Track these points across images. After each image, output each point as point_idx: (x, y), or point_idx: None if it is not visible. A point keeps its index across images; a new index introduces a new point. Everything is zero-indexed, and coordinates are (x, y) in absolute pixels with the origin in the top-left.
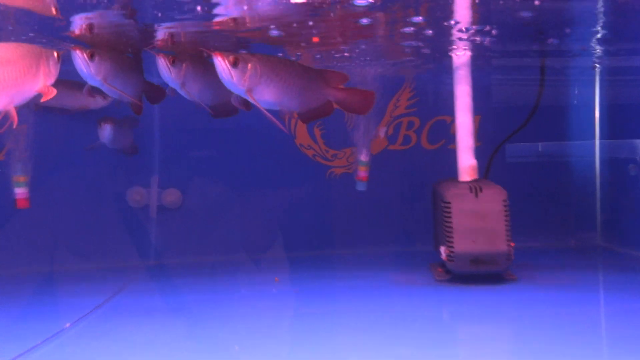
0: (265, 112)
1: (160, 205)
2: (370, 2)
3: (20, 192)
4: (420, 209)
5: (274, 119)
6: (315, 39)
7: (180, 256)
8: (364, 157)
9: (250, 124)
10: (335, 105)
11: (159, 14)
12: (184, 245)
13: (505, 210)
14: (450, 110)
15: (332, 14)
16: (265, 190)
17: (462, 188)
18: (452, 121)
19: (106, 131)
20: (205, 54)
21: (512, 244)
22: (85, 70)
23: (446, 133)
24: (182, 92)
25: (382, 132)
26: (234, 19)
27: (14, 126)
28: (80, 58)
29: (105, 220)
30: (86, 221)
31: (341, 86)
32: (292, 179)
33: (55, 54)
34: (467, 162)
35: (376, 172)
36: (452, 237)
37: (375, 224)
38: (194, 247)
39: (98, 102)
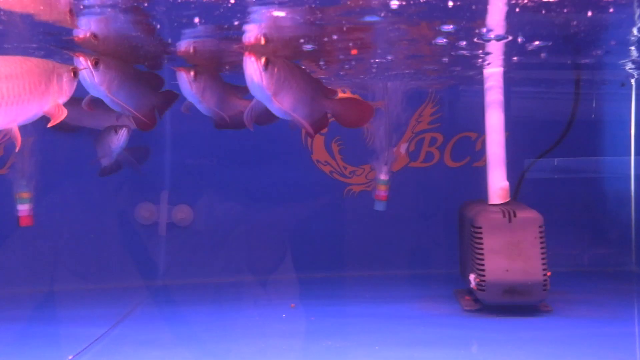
0: (296, 117)
1: (170, 223)
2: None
3: (23, 209)
4: (441, 231)
5: (303, 123)
6: (354, 51)
7: (190, 276)
8: (383, 176)
9: (265, 138)
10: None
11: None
12: (194, 265)
13: (541, 237)
14: (475, 126)
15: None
16: (279, 208)
17: (494, 212)
18: (478, 138)
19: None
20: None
21: (549, 274)
22: (88, 79)
23: (471, 150)
24: (200, 107)
25: (403, 149)
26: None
27: (17, 149)
28: (83, 65)
29: (111, 238)
30: (90, 239)
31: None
32: (308, 196)
33: (72, 70)
34: (498, 184)
35: (396, 190)
36: (483, 265)
37: (395, 246)
38: (204, 267)
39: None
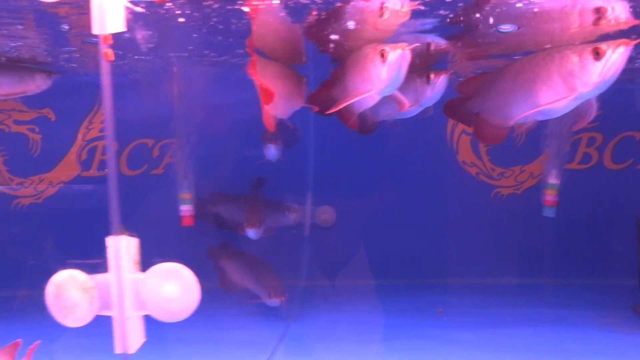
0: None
1: (314, 224)
2: None
3: (186, 209)
4: (603, 237)
5: None
6: None
7: (333, 277)
8: (553, 180)
9: (409, 139)
10: None
11: None
12: (336, 266)
13: None
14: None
15: None
16: (423, 210)
17: None
18: None
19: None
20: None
21: None
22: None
23: (634, 152)
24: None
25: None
26: None
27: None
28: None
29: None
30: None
31: None
32: (453, 198)
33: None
34: None
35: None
36: None
37: (548, 253)
38: (347, 269)
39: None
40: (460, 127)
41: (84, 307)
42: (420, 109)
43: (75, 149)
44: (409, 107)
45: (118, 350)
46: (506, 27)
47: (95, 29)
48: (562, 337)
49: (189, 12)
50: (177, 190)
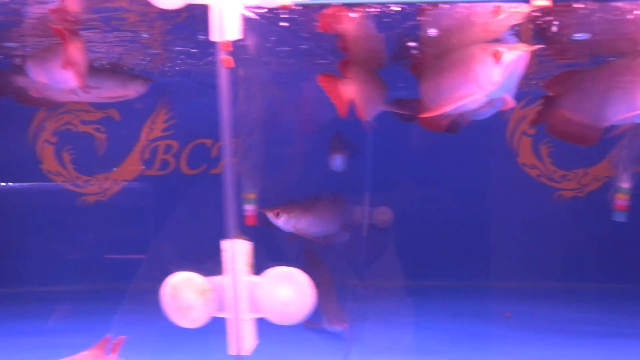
0: None
1: (372, 224)
2: None
3: (250, 209)
4: None
5: None
6: None
7: (390, 278)
8: (625, 184)
9: (467, 140)
10: None
11: None
12: (395, 267)
13: None
14: None
15: None
16: (480, 212)
17: None
18: None
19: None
20: None
21: None
22: None
23: None
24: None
25: None
26: None
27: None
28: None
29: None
30: None
31: None
32: (512, 200)
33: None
34: None
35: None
36: None
37: (611, 258)
38: (405, 269)
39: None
40: (521, 128)
41: (199, 308)
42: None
43: (138, 148)
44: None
45: (232, 351)
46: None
47: (215, 36)
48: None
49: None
50: (241, 190)
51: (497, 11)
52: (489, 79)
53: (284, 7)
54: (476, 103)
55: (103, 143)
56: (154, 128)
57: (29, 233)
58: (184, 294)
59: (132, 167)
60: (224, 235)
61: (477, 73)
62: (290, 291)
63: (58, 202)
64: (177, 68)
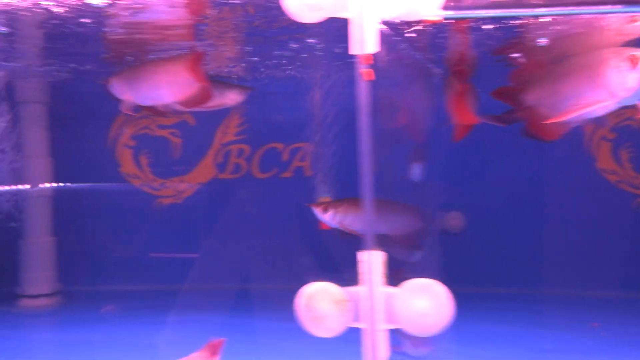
0: None
1: (443, 229)
2: None
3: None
4: None
5: None
6: None
7: (469, 284)
8: None
9: (543, 145)
10: None
11: None
12: (467, 272)
13: None
14: None
15: None
16: (556, 219)
17: None
18: None
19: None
20: None
21: None
22: None
23: None
24: None
25: None
26: None
27: None
28: None
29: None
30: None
31: None
32: (591, 207)
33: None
34: None
35: None
36: None
37: None
38: (479, 275)
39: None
40: (600, 133)
41: (334, 318)
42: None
43: (212, 152)
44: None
45: None
46: None
47: (355, 49)
48: None
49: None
50: (317, 194)
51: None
52: (623, 85)
53: (429, 22)
54: (604, 109)
55: (178, 147)
56: (227, 132)
57: (108, 232)
58: (319, 303)
59: (205, 170)
60: (295, 237)
61: (608, 78)
62: (427, 302)
63: (135, 204)
64: (262, 74)
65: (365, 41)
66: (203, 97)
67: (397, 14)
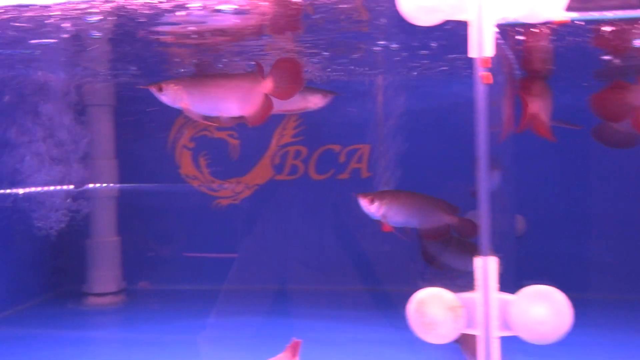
0: None
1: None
2: None
3: None
4: None
5: None
6: None
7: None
8: None
9: (602, 147)
10: None
11: None
12: (527, 276)
13: None
14: None
15: None
16: (618, 222)
17: None
18: None
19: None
20: None
21: None
22: None
23: None
24: None
25: None
26: None
27: None
28: None
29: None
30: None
31: None
32: None
33: None
34: None
35: None
36: None
37: None
38: (539, 279)
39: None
40: None
41: (447, 324)
42: None
43: (269, 153)
44: None
45: None
46: None
47: (473, 53)
48: None
49: None
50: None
51: None
52: None
53: (558, 23)
54: None
55: (236, 149)
56: (285, 134)
57: (169, 232)
58: (431, 309)
59: (263, 171)
60: (354, 238)
61: None
62: (545, 310)
63: (194, 204)
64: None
65: (483, 44)
66: (266, 111)
67: (517, 15)
